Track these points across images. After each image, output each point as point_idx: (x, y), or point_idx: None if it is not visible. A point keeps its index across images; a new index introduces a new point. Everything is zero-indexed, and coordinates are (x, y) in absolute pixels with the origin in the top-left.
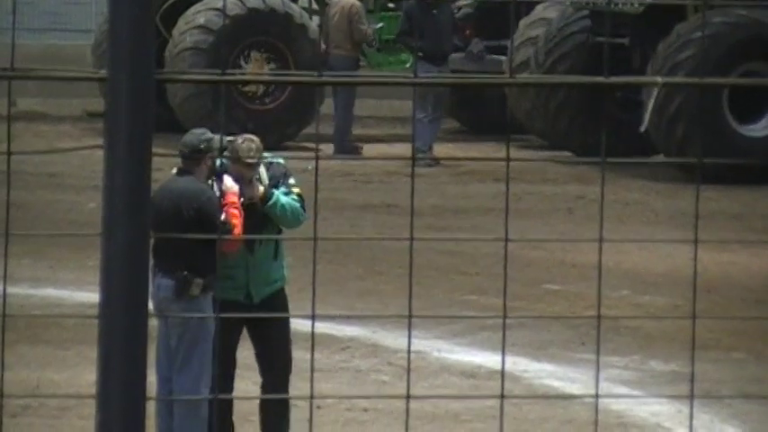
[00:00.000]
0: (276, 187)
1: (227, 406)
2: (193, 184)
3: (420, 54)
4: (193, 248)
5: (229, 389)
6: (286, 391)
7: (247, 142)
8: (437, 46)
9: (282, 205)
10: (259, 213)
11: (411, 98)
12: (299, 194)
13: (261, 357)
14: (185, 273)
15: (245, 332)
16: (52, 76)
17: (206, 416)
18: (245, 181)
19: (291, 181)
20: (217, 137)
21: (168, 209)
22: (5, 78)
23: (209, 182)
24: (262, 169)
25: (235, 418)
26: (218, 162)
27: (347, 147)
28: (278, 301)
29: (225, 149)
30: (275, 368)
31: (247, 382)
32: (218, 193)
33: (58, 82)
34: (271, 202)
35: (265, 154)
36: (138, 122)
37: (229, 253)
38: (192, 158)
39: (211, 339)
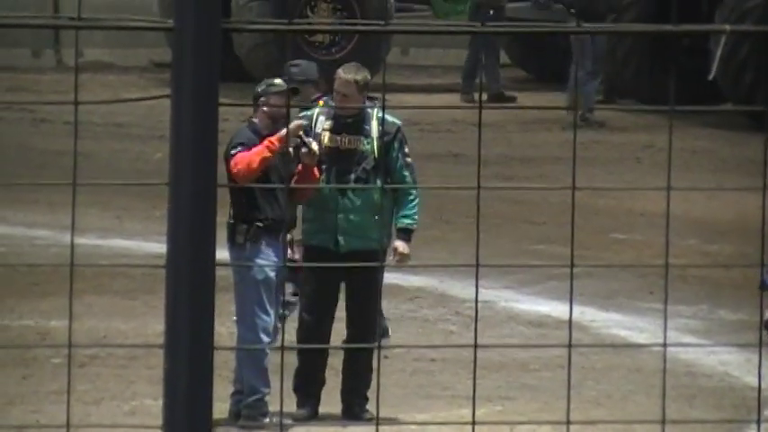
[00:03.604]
0: (389, 146)
1: (322, 361)
2: (237, 132)
3: (572, 11)
4: (234, 196)
5: (324, 342)
6: (368, 350)
7: (346, 69)
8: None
9: (416, 218)
10: (352, 159)
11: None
12: (409, 164)
13: (347, 311)
14: (231, 221)
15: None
16: (119, 25)
17: (267, 365)
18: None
19: (407, 150)
20: (278, 81)
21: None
22: (73, 28)
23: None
24: (374, 123)
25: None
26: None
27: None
28: (371, 260)
29: (295, 92)
30: (358, 326)
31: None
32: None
33: (124, 32)
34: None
35: (388, 117)
36: (204, 72)
37: (299, 200)
38: (254, 107)
39: (262, 289)
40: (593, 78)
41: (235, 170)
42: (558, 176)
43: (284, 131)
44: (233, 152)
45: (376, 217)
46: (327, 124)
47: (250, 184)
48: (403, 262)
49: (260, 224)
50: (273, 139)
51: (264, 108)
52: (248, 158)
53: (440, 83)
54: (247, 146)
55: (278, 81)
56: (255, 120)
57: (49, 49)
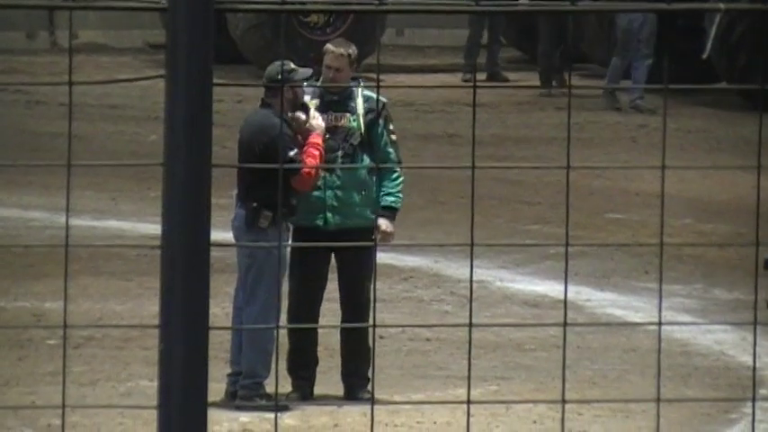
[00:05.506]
0: (374, 123)
1: (312, 339)
2: (267, 119)
3: None
4: (263, 181)
5: (314, 321)
6: (364, 328)
7: (336, 43)
8: None
9: (400, 196)
10: (339, 136)
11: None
12: (394, 142)
13: (340, 290)
14: (255, 204)
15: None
16: (113, 6)
17: (272, 350)
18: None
19: (391, 127)
20: (300, 69)
21: (244, 142)
22: (67, 8)
23: (296, 114)
24: (359, 100)
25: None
26: (305, 97)
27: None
28: (361, 239)
29: (308, 79)
30: (351, 305)
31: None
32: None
33: (119, 13)
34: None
35: (367, 92)
36: (198, 53)
37: (299, 190)
38: (270, 89)
39: (281, 273)
40: (645, 60)
41: (307, 180)
42: (553, 157)
43: (315, 128)
44: (291, 154)
45: (363, 192)
46: (313, 103)
47: (248, 165)
48: (386, 240)
49: (285, 210)
50: (317, 143)
51: (288, 96)
52: (315, 168)
53: (435, 63)
54: (292, 144)
55: (293, 66)
56: (270, 102)
57: (44, 31)
